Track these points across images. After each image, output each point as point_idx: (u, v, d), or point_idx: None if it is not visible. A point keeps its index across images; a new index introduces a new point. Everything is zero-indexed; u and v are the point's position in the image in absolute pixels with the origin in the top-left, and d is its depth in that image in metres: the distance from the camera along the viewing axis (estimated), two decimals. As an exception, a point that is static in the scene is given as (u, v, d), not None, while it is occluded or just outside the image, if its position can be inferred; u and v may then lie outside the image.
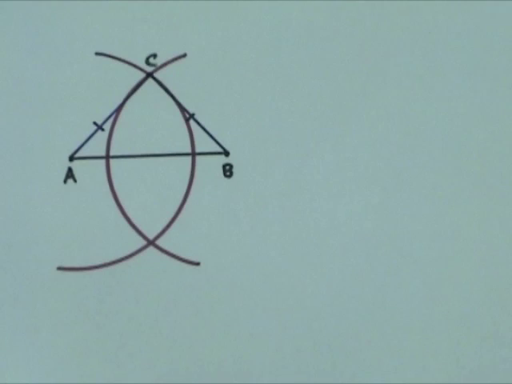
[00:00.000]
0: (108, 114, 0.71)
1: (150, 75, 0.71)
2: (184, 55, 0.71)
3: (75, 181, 0.71)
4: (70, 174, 0.71)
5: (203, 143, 0.71)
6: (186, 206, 0.70)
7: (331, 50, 0.70)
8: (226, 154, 0.70)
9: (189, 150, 0.71)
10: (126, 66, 0.71)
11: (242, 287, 0.69)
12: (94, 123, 0.71)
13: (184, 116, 0.71)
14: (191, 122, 0.71)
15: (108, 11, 0.71)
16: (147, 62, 0.71)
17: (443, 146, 0.70)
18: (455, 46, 0.70)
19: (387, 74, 0.70)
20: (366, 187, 0.70)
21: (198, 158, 0.70)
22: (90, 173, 0.71)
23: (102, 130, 0.71)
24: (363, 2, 0.70)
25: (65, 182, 0.71)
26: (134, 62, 0.71)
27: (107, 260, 0.70)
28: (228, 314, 0.70)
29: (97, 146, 0.71)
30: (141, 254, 0.70)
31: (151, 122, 0.71)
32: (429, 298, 0.69)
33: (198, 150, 0.71)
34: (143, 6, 0.71)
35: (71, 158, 0.71)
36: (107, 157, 0.71)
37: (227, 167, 0.70)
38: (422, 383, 0.69)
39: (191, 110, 0.71)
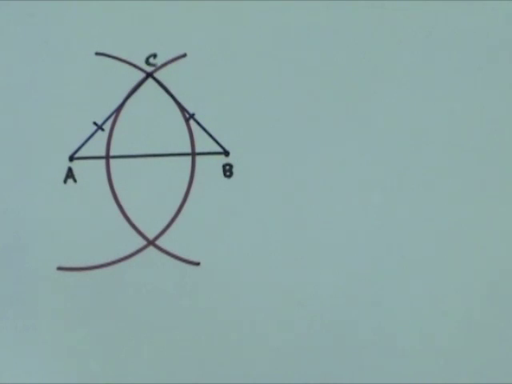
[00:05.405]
0: (108, 113, 0.71)
1: (149, 75, 0.71)
2: (184, 55, 0.71)
3: (75, 181, 0.71)
4: (69, 174, 0.71)
5: (203, 143, 0.71)
6: (186, 206, 0.70)
7: (331, 50, 0.70)
8: (226, 154, 0.70)
9: (189, 150, 0.71)
10: (126, 65, 0.71)
11: (242, 287, 0.70)
12: (94, 123, 0.71)
13: (184, 116, 0.71)
14: (191, 121, 0.71)
15: (108, 11, 0.71)
16: (147, 62, 0.71)
17: (443, 146, 0.70)
18: (455, 46, 0.70)
19: (387, 74, 0.70)
20: (365, 187, 0.70)
21: (197, 157, 0.70)
22: (90, 173, 0.71)
23: (102, 130, 0.71)
24: (363, 3, 0.70)
25: (65, 182, 0.71)
26: (134, 62, 0.71)
27: (107, 260, 0.70)
28: (228, 314, 0.70)
29: (97, 146, 0.71)
30: (141, 254, 0.70)
31: (151, 121, 0.71)
32: (429, 298, 0.69)
33: (198, 150, 0.71)
34: (143, 5, 0.71)
35: (71, 158, 0.71)
36: (107, 157, 0.71)
37: (227, 167, 0.70)
38: (421, 383, 0.69)
39: (191, 110, 0.71)
